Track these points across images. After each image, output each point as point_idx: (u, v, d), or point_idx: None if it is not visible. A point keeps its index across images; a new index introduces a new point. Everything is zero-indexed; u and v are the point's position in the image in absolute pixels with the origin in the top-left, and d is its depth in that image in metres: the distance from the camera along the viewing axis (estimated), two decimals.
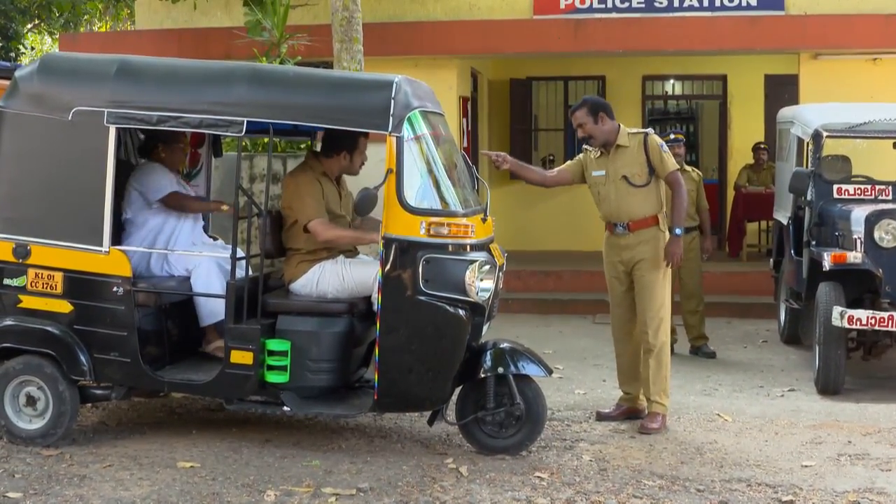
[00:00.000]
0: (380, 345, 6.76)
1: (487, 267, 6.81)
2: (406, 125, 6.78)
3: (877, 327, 9.06)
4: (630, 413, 8.06)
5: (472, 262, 6.73)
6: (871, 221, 9.34)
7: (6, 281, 7.23)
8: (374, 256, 7.47)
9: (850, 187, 10.52)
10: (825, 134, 10.51)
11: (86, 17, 25.36)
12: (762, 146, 16.57)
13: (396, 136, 6.72)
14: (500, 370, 6.94)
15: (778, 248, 12.21)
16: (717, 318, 12.73)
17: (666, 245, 7.88)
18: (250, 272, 7.46)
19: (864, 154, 11.61)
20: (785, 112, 12.61)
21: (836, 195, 10.44)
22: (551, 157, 17.74)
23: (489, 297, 6.89)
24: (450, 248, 6.75)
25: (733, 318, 13.41)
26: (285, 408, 7.02)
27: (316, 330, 7.04)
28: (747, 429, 7.90)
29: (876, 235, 9.29)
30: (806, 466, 6.97)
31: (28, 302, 7.19)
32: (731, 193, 17.02)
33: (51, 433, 7.15)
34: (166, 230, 7.78)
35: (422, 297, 6.69)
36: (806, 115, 11.34)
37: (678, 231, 7.91)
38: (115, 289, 7.06)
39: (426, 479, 6.61)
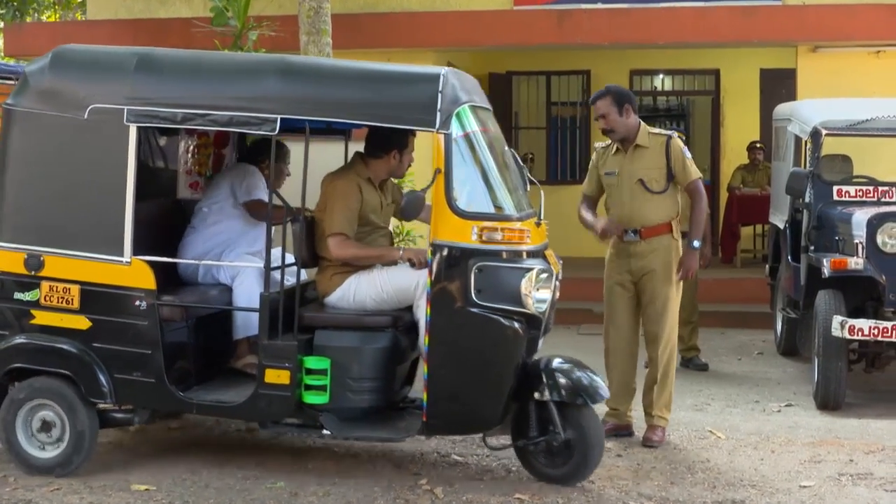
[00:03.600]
0: (428, 361, 6.61)
1: (545, 275, 6.64)
2: (454, 121, 6.60)
3: (880, 338, 9.07)
4: (616, 430, 8.03)
5: (529, 270, 6.56)
6: (874, 225, 9.36)
7: (17, 295, 7.02)
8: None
9: (851, 189, 10.55)
10: (824, 132, 10.53)
11: (33, 5, 25.24)
12: (757, 145, 16.62)
13: (444, 134, 6.54)
14: (547, 395, 6.71)
15: (774, 253, 12.22)
16: (710, 328, 12.73)
17: (681, 258, 7.93)
18: (291, 282, 7.21)
19: (866, 153, 11.61)
20: (782, 109, 12.62)
21: (836, 197, 10.46)
22: (531, 156, 17.74)
23: (546, 309, 6.73)
24: (504, 255, 6.59)
25: (727, 328, 13.42)
26: (325, 431, 6.81)
27: (357, 346, 6.87)
28: (741, 446, 7.91)
29: (879, 240, 9.31)
30: (804, 487, 6.99)
31: (42, 318, 6.98)
32: (724, 195, 17.07)
33: (68, 462, 6.93)
34: (231, 236, 7.71)
35: (473, 309, 6.52)
36: (804, 112, 11.36)
37: (695, 244, 7.91)
38: (137, 303, 6.86)
39: (399, 501, 6.60)
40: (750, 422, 8.74)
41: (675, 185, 7.98)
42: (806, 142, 10.97)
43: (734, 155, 17.45)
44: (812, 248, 10.24)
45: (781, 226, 11.59)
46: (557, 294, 7.00)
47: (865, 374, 9.95)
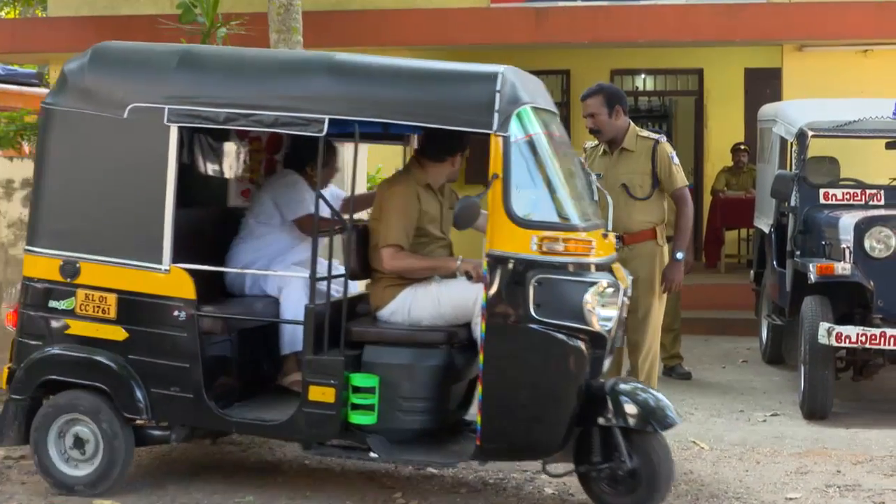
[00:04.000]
0: (483, 381, 6.35)
1: (611, 290, 6.40)
2: (514, 123, 6.38)
3: (868, 345, 9.06)
4: None
5: (593, 284, 6.31)
6: (862, 229, 9.38)
7: (52, 303, 6.92)
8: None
9: (838, 192, 10.57)
10: (810, 133, 10.56)
11: None
12: (742, 147, 16.64)
13: (503, 136, 6.32)
14: (613, 420, 6.42)
15: (759, 258, 12.25)
16: (693, 335, 12.72)
17: (665, 269, 7.96)
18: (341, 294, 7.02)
19: (853, 155, 11.67)
20: (766, 109, 12.67)
21: (822, 200, 10.47)
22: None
23: (612, 327, 6.46)
24: (566, 268, 6.33)
25: (710, 335, 13.45)
26: (372, 454, 6.57)
27: (408, 363, 6.66)
28: (726, 457, 7.93)
29: (866, 244, 9.34)
30: (791, 499, 6.99)
31: (77, 328, 6.87)
32: (707, 199, 17.10)
33: (100, 481, 6.80)
34: (280, 248, 7.60)
35: (532, 325, 6.27)
36: (789, 113, 11.40)
37: (679, 255, 7.94)
38: (176, 313, 6.72)
39: None
40: (734, 432, 8.75)
41: (660, 191, 8.01)
42: (791, 143, 10.99)
43: (718, 157, 17.48)
44: (798, 252, 10.25)
45: (766, 230, 11.62)
46: (625, 312, 6.84)
47: (853, 383, 9.95)
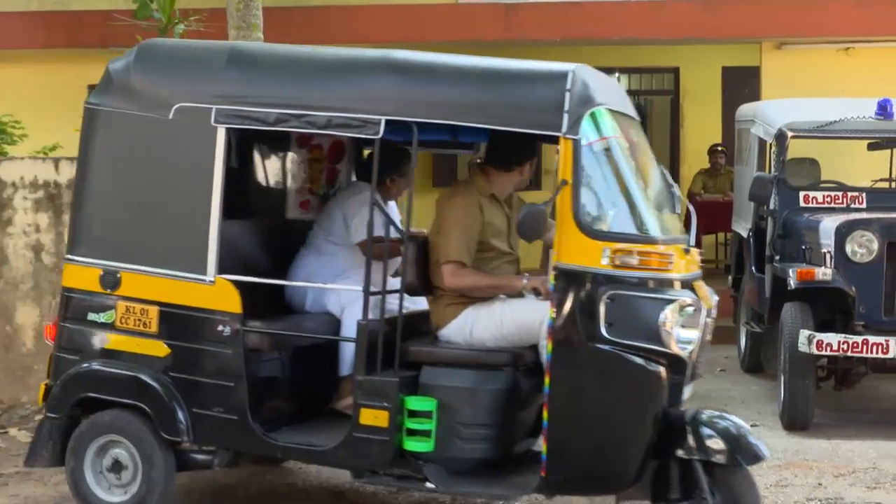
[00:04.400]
0: (549, 406, 6.03)
1: (691, 310, 6.05)
2: (585, 125, 6.09)
3: (849, 353, 9.09)
4: None
5: (671, 302, 5.95)
6: (843, 233, 9.40)
7: (91, 316, 6.73)
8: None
9: (819, 194, 10.60)
10: (790, 134, 10.58)
11: None
12: (719, 148, 16.67)
13: (573, 139, 6.03)
14: (694, 453, 6.03)
15: (737, 263, 12.27)
16: None
17: None
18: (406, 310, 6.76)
19: (834, 157, 11.70)
20: (745, 109, 12.66)
21: (802, 203, 10.52)
22: (479, 160, 17.72)
23: (692, 350, 6.12)
24: (641, 284, 6.00)
25: None
26: (428, 484, 6.29)
27: (470, 386, 6.35)
28: None
29: (848, 249, 9.35)
30: None
31: (117, 342, 6.67)
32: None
33: None
34: (347, 266, 7.38)
35: (604, 346, 5.92)
36: (768, 113, 11.41)
37: None
38: (220, 328, 6.47)
39: None
40: None
41: None
42: (770, 144, 11.01)
43: (695, 159, 17.51)
44: (777, 257, 10.27)
45: (745, 234, 11.62)
46: (709, 334, 6.51)
47: (835, 392, 9.98)
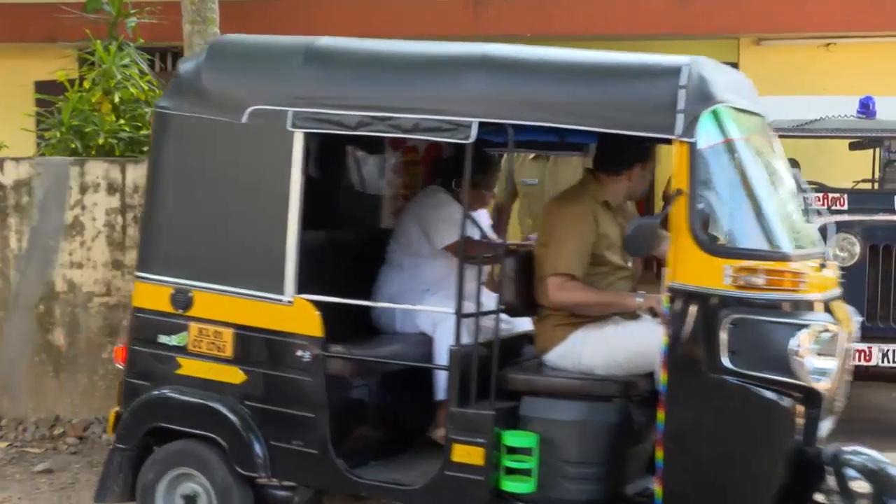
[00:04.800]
0: (664, 444, 5.61)
1: (828, 335, 5.55)
2: (703, 126, 5.67)
3: None
4: None
5: (803, 326, 5.45)
6: (824, 236, 9.40)
7: (162, 338, 6.48)
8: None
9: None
10: None
11: None
12: None
13: (688, 143, 5.66)
14: (836, 498, 5.56)
15: None
16: None
17: None
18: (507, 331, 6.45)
19: (815, 156, 11.69)
20: None
21: None
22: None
23: (830, 381, 5.59)
24: (770, 307, 5.52)
25: None
26: None
27: (576, 419, 5.92)
28: None
29: (829, 253, 9.35)
30: None
31: (189, 367, 6.40)
32: (659, 204, 17.07)
33: None
34: (434, 278, 7.04)
35: (726, 378, 5.46)
36: None
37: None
38: (299, 353, 6.15)
39: None
40: None
41: None
42: None
43: (668, 159, 17.48)
44: None
45: None
46: (850, 362, 6.02)
47: None
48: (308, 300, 6.19)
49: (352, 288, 6.59)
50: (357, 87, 6.25)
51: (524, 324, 6.66)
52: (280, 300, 6.22)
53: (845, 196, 10.53)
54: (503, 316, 6.22)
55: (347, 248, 7.14)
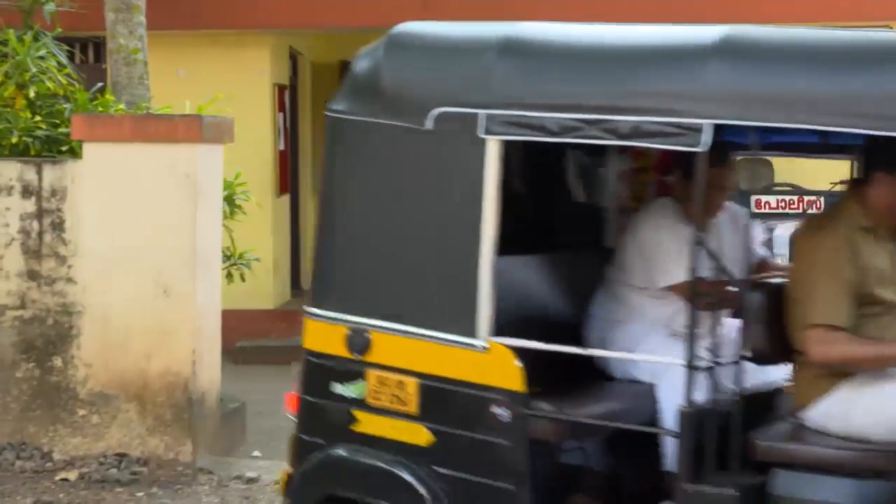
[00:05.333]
0: None
1: None
2: None
3: None
4: None
5: None
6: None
7: (337, 388, 5.74)
8: None
9: (772, 199, 10.67)
10: None
11: None
12: None
13: None
14: None
15: None
16: None
17: None
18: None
19: (789, 157, 11.71)
20: None
21: (754, 209, 10.61)
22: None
23: None
24: None
25: None
26: None
27: (847, 501, 4.96)
28: None
29: None
30: None
31: (367, 423, 5.65)
32: None
33: None
34: (657, 316, 6.10)
35: None
36: None
37: None
38: (494, 410, 5.30)
39: None
40: None
41: None
42: None
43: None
44: None
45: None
46: None
47: None
48: (506, 345, 5.39)
49: (563, 319, 6.04)
50: (564, 84, 5.45)
51: (777, 374, 5.76)
52: (471, 345, 5.44)
53: (822, 198, 10.63)
54: (749, 364, 5.42)
55: (560, 274, 6.32)
